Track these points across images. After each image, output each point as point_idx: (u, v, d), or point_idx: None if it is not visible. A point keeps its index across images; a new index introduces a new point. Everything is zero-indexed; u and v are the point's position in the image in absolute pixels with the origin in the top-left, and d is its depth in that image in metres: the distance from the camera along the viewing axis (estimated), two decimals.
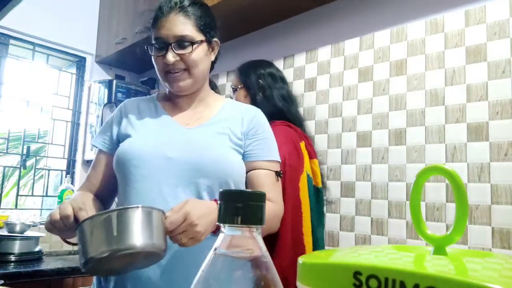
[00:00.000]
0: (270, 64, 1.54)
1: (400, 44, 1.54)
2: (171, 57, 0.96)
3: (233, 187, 0.96)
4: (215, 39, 1.05)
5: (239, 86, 1.48)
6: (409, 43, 1.51)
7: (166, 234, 0.75)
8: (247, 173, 1.01)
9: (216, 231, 0.81)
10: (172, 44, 0.96)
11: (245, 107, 1.09)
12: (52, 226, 0.82)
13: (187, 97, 1.06)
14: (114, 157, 0.99)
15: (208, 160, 0.93)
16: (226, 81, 2.17)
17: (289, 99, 1.51)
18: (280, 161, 1.05)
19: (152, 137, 0.99)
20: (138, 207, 0.72)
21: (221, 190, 0.33)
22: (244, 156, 1.01)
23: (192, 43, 0.97)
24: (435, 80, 1.42)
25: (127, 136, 1.01)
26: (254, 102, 1.44)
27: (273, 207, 0.98)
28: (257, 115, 1.06)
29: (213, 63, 1.10)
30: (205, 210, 0.79)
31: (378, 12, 1.63)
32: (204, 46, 1.01)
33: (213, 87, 1.16)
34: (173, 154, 0.94)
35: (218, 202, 0.33)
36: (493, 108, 1.28)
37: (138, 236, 0.69)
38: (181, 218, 0.76)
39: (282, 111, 1.47)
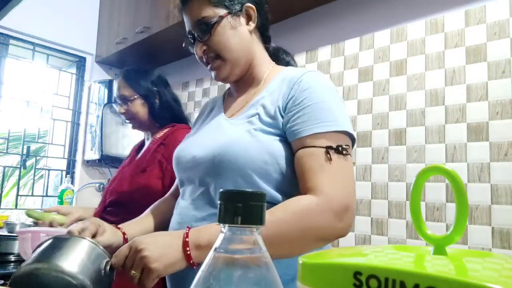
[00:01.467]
0: (154, 69, 1.57)
1: (400, 44, 1.54)
2: (198, 48, 0.87)
3: (256, 179, 0.77)
4: (247, 4, 0.88)
5: (135, 97, 1.46)
6: (409, 43, 1.51)
7: (96, 273, 0.66)
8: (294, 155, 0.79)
9: (191, 262, 0.65)
10: (196, 33, 0.87)
11: (290, 74, 0.84)
12: None
13: (238, 83, 0.93)
14: None
15: (215, 154, 0.79)
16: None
17: (178, 101, 1.56)
18: (343, 130, 0.76)
19: (194, 138, 0.93)
20: (52, 237, 0.69)
21: (221, 190, 0.33)
22: (287, 135, 0.79)
23: (209, 24, 0.84)
24: (435, 80, 1.42)
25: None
26: (152, 110, 1.47)
27: (306, 203, 0.70)
28: (300, 80, 0.80)
29: (263, 30, 0.93)
30: (164, 240, 0.66)
31: (378, 12, 1.63)
32: (227, 21, 0.85)
33: (279, 57, 0.99)
34: (197, 152, 0.84)
35: (219, 204, 0.33)
36: (493, 108, 1.28)
37: (50, 257, 0.65)
38: (126, 249, 0.66)
39: (179, 113, 1.53)
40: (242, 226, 0.32)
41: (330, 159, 0.72)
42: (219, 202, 0.33)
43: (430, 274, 0.25)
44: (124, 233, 0.86)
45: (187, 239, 0.66)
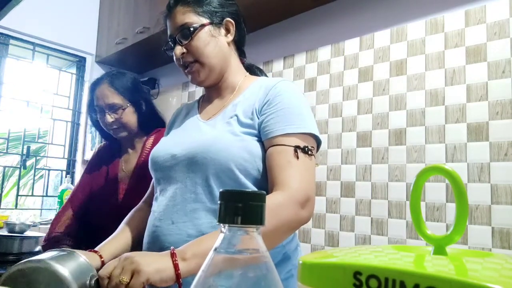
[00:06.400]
0: (129, 71, 1.51)
1: (400, 44, 1.54)
2: (177, 50, 0.92)
3: (238, 174, 0.82)
4: (227, 18, 0.95)
5: (127, 105, 1.37)
6: (409, 43, 1.51)
7: (83, 284, 0.69)
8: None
9: (178, 272, 0.66)
10: (177, 37, 0.93)
11: (266, 82, 0.92)
12: None
13: (213, 88, 0.99)
14: None
15: (197, 151, 0.84)
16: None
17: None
18: (310, 133, 0.84)
19: (171, 139, 0.97)
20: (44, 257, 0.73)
21: (221, 190, 0.33)
22: (261, 134, 0.86)
23: (191, 29, 0.90)
24: (435, 80, 1.42)
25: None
26: (142, 118, 1.41)
27: (274, 199, 0.75)
28: (275, 86, 0.88)
29: (239, 45, 1.01)
30: (152, 253, 0.71)
31: (378, 12, 1.63)
32: (208, 29, 0.92)
33: (255, 72, 1.06)
34: (177, 151, 0.88)
35: (219, 204, 0.33)
36: (493, 108, 1.28)
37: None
38: (115, 260, 0.69)
39: (163, 118, 1.49)
40: (242, 226, 0.32)
41: (297, 157, 0.80)
42: (219, 202, 0.33)
43: (430, 274, 0.25)
44: (101, 256, 0.84)
45: (174, 252, 0.69)
